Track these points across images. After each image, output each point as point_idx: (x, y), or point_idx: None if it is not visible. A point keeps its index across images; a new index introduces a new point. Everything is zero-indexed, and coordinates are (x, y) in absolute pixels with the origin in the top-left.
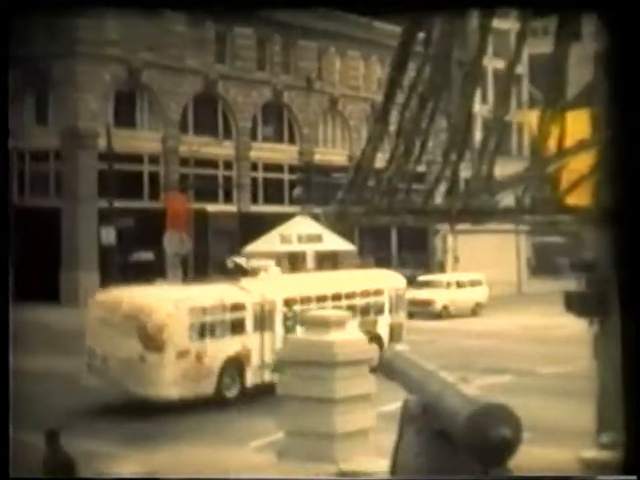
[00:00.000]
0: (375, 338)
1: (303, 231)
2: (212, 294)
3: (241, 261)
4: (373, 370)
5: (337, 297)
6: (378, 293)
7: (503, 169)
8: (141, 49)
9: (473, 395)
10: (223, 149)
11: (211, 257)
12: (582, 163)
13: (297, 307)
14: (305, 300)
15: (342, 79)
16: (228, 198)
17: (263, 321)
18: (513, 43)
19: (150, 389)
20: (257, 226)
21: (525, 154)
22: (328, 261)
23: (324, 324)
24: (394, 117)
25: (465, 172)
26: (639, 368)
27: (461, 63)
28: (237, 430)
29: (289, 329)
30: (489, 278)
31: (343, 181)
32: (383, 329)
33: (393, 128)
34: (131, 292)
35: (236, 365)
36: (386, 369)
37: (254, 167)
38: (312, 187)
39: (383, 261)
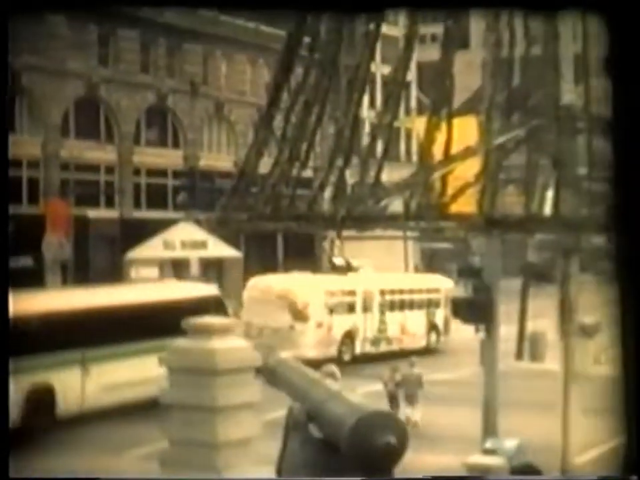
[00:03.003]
0: (433, 326)
1: (186, 237)
2: (335, 281)
3: (345, 259)
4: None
5: (412, 291)
6: (437, 291)
7: (391, 174)
8: (21, 52)
9: (358, 403)
10: (105, 154)
11: (92, 262)
12: (468, 170)
13: (387, 296)
14: (392, 291)
15: (228, 83)
16: (110, 203)
17: (366, 305)
18: (401, 49)
19: (296, 350)
20: (139, 232)
21: (413, 160)
22: (213, 267)
23: (207, 331)
24: (279, 122)
25: (352, 178)
26: (638, 369)
27: (349, 68)
28: (118, 439)
29: (382, 312)
30: None
31: (228, 187)
32: (439, 320)
33: (278, 133)
34: (279, 278)
35: (350, 337)
36: (269, 376)
37: (137, 171)
38: (196, 192)
39: (268, 268)
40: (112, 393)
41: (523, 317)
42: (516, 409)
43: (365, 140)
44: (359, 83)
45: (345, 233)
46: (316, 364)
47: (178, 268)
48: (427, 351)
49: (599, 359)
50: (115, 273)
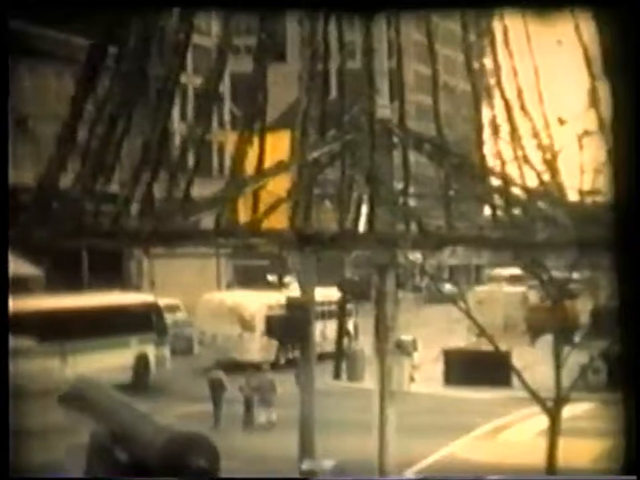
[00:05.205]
0: (346, 332)
1: None
2: (273, 297)
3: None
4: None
5: (330, 303)
6: (349, 302)
7: (203, 190)
8: None
9: (167, 424)
10: None
11: None
12: (281, 185)
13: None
14: (320, 303)
15: (33, 96)
16: None
17: None
18: (213, 59)
19: (245, 355)
20: None
21: (226, 174)
22: (13, 286)
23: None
24: (83, 135)
25: (161, 192)
26: (637, 371)
27: (158, 78)
28: None
29: (341, 318)
30: (188, 302)
31: (27, 202)
32: (351, 327)
33: (82, 146)
34: (230, 294)
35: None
36: (74, 398)
37: None
38: None
39: (73, 287)
40: None
41: (340, 334)
42: (333, 429)
43: (175, 153)
44: (168, 94)
45: (154, 250)
46: (258, 367)
47: None
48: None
49: (414, 377)
50: None
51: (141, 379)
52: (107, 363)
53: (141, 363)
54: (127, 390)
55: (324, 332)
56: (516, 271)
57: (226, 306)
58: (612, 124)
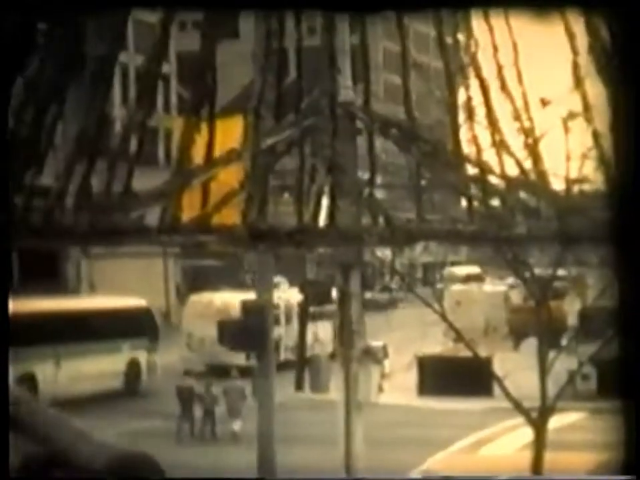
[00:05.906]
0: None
1: None
2: None
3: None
4: None
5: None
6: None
7: (148, 181)
8: None
9: (111, 443)
10: None
11: None
12: (233, 176)
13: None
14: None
15: None
16: None
17: (288, 317)
18: (157, 36)
19: (234, 358)
20: None
21: (173, 165)
22: None
23: None
24: (11, 121)
25: (98, 185)
26: (637, 371)
27: (95, 57)
28: None
29: (302, 323)
30: None
31: None
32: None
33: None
34: (218, 295)
35: (275, 346)
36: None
37: None
38: None
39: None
40: (78, 384)
41: (302, 341)
42: (295, 445)
43: (115, 141)
44: (106, 75)
45: (93, 249)
46: (247, 370)
47: None
48: (332, 357)
49: (383, 387)
50: None
51: (132, 386)
52: (99, 368)
53: (133, 369)
54: (118, 396)
55: (316, 334)
56: (474, 269)
57: (214, 307)
58: (605, 106)
